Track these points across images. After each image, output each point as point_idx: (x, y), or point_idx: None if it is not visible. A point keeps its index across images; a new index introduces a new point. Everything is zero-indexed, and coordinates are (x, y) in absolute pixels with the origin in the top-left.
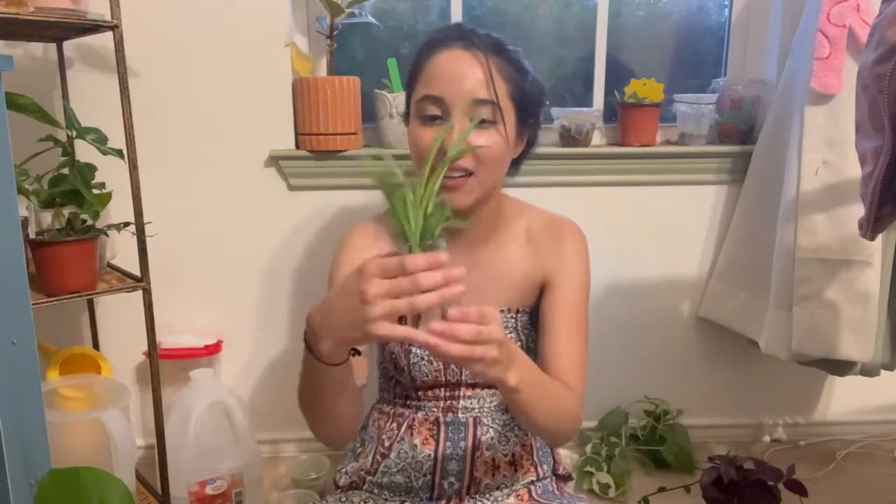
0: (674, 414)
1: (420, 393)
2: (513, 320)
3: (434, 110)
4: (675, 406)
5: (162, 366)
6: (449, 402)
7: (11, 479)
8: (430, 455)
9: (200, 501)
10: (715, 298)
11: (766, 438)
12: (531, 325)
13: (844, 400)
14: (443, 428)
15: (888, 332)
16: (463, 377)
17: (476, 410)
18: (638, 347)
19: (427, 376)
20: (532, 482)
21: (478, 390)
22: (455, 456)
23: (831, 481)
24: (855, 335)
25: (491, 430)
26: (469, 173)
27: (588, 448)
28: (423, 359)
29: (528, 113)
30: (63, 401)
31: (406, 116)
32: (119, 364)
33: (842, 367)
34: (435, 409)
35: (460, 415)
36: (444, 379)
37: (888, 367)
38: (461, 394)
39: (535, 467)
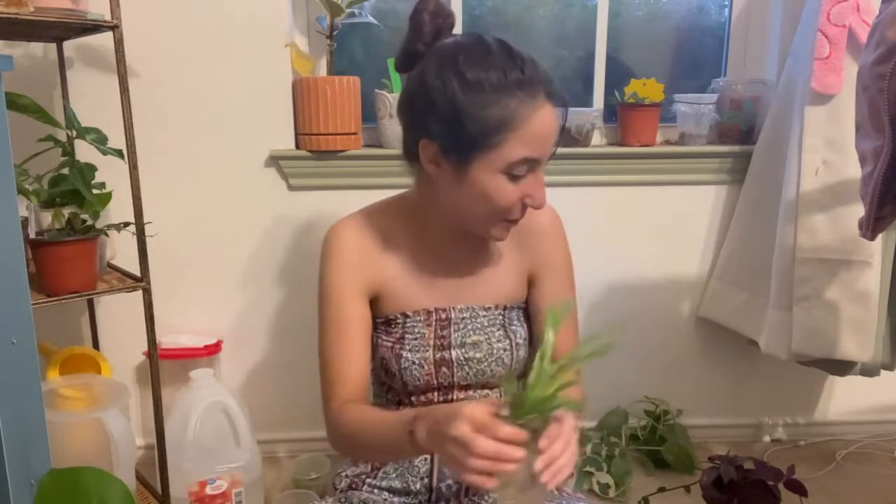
0: (674, 414)
1: (413, 398)
2: (500, 317)
3: (525, 169)
4: (675, 406)
5: (162, 366)
6: (443, 404)
7: (11, 479)
8: (426, 458)
9: (200, 501)
10: (715, 298)
11: (766, 438)
12: (519, 319)
13: (844, 400)
14: None
15: (888, 332)
16: (455, 379)
17: None
18: (638, 347)
19: (419, 381)
20: None
21: (470, 392)
22: None
23: (831, 481)
24: (855, 335)
25: None
26: None
27: (588, 448)
28: (413, 363)
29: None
30: (63, 401)
31: (461, 147)
32: (119, 364)
33: (842, 367)
34: None
35: None
36: (436, 382)
37: (888, 367)
38: (454, 396)
39: None
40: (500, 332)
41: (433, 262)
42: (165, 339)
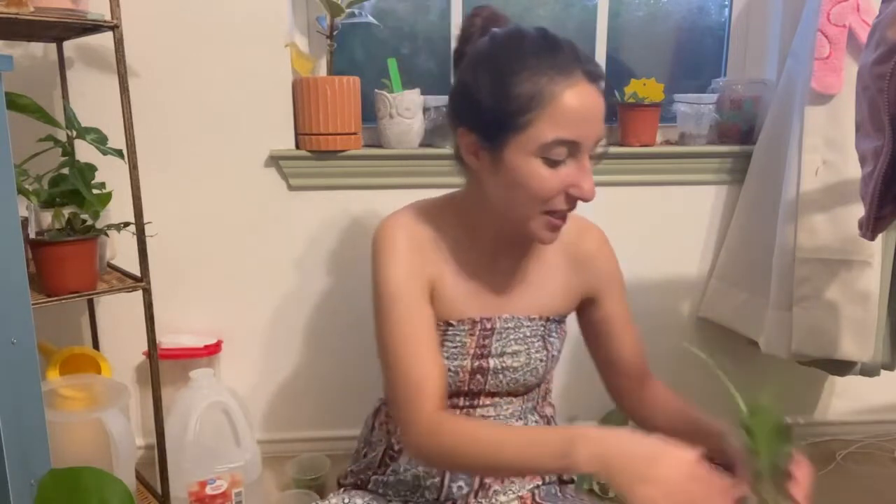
0: None
1: None
2: (542, 328)
3: (564, 153)
4: None
5: (162, 366)
6: (467, 410)
7: (11, 479)
8: None
9: (200, 501)
10: (715, 298)
11: None
12: (557, 332)
13: (844, 400)
14: None
15: (888, 332)
16: (486, 387)
17: (493, 418)
18: None
19: (450, 387)
20: (536, 486)
21: (496, 399)
22: None
23: (831, 481)
24: (855, 335)
25: None
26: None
27: None
28: (449, 370)
29: None
30: (63, 401)
31: (492, 130)
32: (119, 364)
33: (842, 367)
34: None
35: None
36: (466, 388)
37: (888, 367)
38: (480, 402)
39: None
40: (540, 343)
41: (480, 268)
42: (165, 339)
